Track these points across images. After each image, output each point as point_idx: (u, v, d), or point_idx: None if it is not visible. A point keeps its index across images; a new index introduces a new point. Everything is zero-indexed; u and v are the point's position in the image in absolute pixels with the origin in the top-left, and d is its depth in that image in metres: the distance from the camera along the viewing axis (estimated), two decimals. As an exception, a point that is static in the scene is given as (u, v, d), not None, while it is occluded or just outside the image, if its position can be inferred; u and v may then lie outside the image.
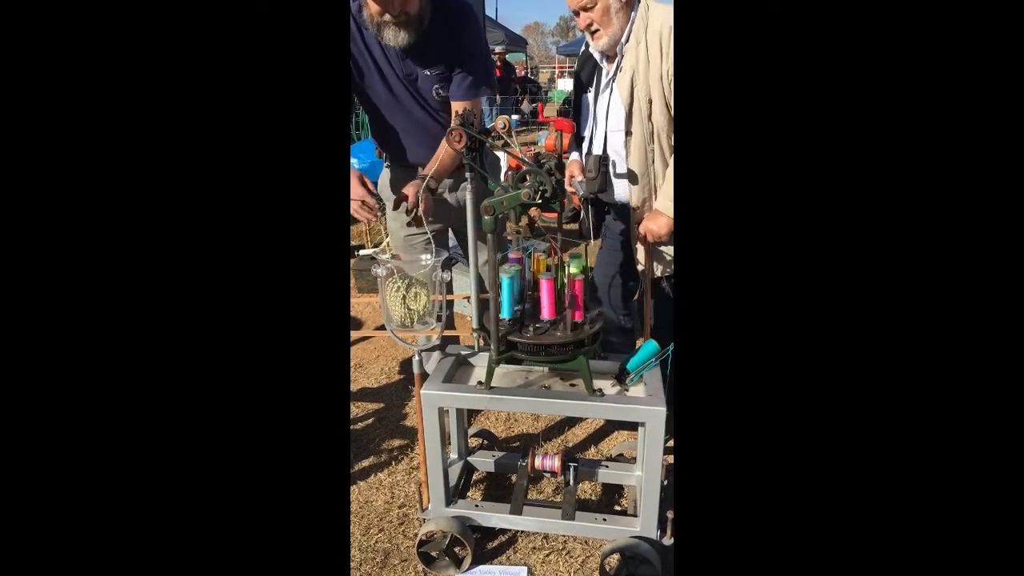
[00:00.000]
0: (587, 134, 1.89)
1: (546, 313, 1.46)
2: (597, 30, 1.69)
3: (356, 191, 1.67)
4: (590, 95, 1.86)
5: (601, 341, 1.51)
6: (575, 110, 1.95)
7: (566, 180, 1.97)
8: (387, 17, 1.64)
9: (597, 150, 1.84)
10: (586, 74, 1.87)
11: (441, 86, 1.81)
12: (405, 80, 1.80)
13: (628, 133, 1.73)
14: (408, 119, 1.87)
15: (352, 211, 1.66)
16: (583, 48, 1.87)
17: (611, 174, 1.83)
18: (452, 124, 1.42)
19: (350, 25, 1.73)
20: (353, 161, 3.53)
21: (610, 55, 1.76)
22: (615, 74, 1.74)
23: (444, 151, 1.64)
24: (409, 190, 1.66)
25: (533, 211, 1.44)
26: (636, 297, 2.08)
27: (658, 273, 1.85)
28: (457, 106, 1.77)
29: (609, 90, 1.78)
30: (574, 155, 1.95)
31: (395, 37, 1.68)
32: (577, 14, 1.70)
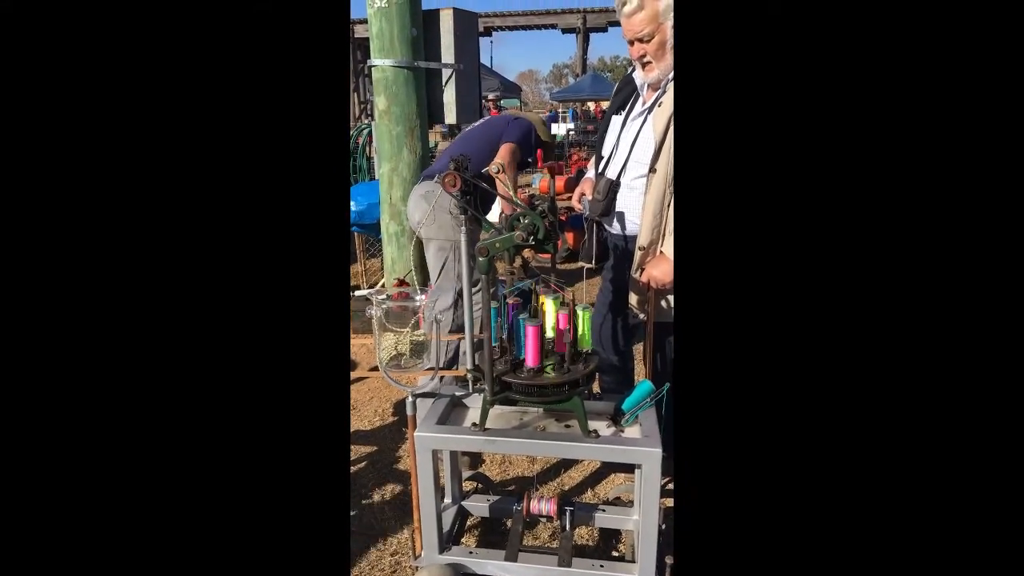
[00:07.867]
0: (606, 154, 1.87)
1: (530, 361, 1.43)
2: (649, 62, 1.67)
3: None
4: (620, 118, 1.85)
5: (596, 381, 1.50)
6: (602, 127, 1.95)
7: (575, 197, 2.01)
8: None
9: (611, 174, 1.81)
10: (622, 96, 1.87)
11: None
12: None
13: (652, 170, 1.67)
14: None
15: None
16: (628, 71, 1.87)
17: (618, 204, 1.81)
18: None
19: None
20: (352, 204, 3.60)
21: (654, 86, 1.74)
22: (653, 106, 1.72)
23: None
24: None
25: (527, 252, 1.45)
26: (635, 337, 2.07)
27: (664, 319, 1.77)
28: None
29: (642, 119, 1.75)
30: (589, 172, 1.95)
31: None
32: (632, 43, 1.68)
